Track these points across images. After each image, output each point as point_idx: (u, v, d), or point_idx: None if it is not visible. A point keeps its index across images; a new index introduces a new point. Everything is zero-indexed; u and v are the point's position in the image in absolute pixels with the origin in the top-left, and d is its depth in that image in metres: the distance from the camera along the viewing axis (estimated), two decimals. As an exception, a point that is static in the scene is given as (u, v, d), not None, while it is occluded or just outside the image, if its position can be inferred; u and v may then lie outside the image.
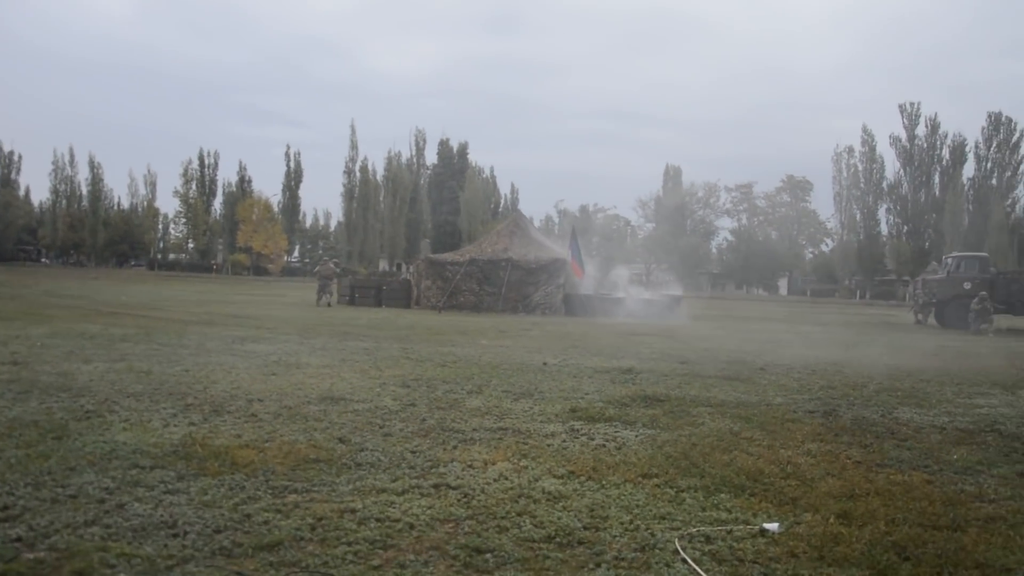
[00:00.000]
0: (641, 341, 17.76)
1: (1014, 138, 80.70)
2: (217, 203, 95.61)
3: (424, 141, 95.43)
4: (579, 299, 28.79)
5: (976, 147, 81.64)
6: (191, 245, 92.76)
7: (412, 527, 4.24)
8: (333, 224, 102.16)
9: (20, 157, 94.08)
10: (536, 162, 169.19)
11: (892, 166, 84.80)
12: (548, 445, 6.35)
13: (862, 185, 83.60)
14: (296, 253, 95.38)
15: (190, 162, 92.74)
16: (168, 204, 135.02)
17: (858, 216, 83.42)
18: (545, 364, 12.33)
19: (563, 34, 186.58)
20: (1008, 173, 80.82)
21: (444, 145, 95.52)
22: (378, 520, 4.31)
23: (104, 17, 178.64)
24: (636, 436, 6.88)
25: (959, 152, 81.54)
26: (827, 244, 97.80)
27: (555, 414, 7.79)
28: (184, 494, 4.63)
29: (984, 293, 25.72)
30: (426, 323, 21.69)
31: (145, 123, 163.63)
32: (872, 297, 79.51)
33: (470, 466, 5.56)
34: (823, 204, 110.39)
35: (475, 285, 29.17)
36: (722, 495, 5.12)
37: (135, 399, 7.67)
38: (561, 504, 4.76)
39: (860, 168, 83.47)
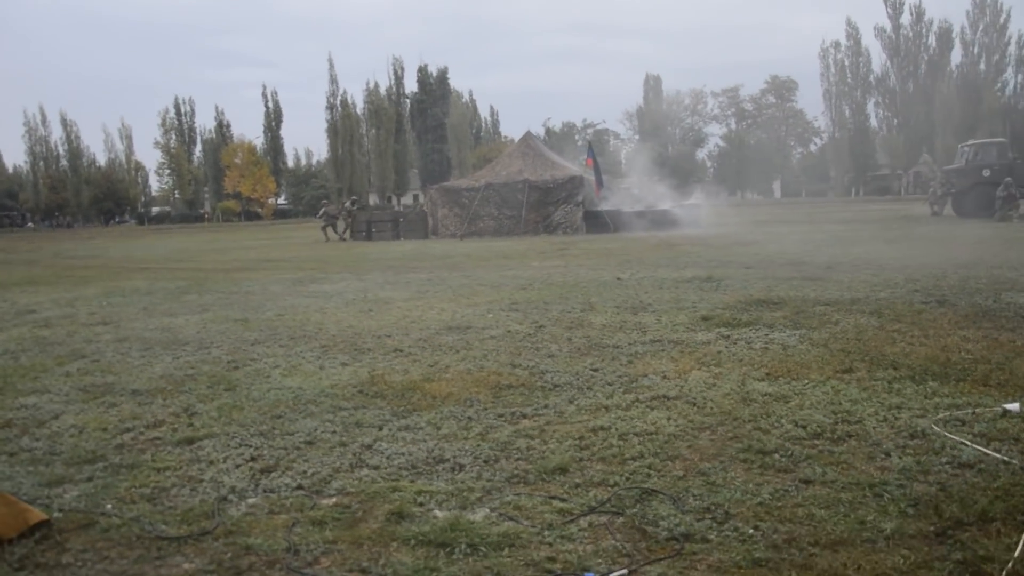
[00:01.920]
0: (687, 251, 17.67)
1: (1000, 19, 79.69)
2: (196, 151, 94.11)
3: (402, 69, 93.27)
4: (599, 215, 28.57)
5: (962, 32, 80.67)
6: (177, 196, 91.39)
7: (676, 436, 4.20)
8: (315, 162, 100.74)
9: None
10: (511, 83, 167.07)
11: (879, 59, 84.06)
12: (718, 352, 6.31)
13: (849, 80, 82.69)
14: (284, 196, 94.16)
15: (167, 111, 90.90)
16: (145, 156, 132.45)
17: (847, 112, 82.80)
18: (619, 279, 12.26)
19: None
20: (996, 57, 79.96)
21: (423, 72, 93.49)
22: (636, 435, 4.26)
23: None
24: (790, 336, 6.84)
25: (946, 39, 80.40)
26: (815, 143, 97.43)
27: (688, 323, 7.74)
28: (419, 430, 4.55)
29: (1010, 179, 25.62)
30: (460, 251, 21.49)
31: (109, 74, 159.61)
32: (867, 193, 79.51)
33: (666, 377, 5.51)
34: (808, 104, 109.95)
35: (494, 210, 28.90)
36: (930, 383, 5.10)
37: (263, 346, 7.55)
38: (793, 403, 4.74)
39: (847, 63, 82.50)
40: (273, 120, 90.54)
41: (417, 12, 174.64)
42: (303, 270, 17.18)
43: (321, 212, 33.38)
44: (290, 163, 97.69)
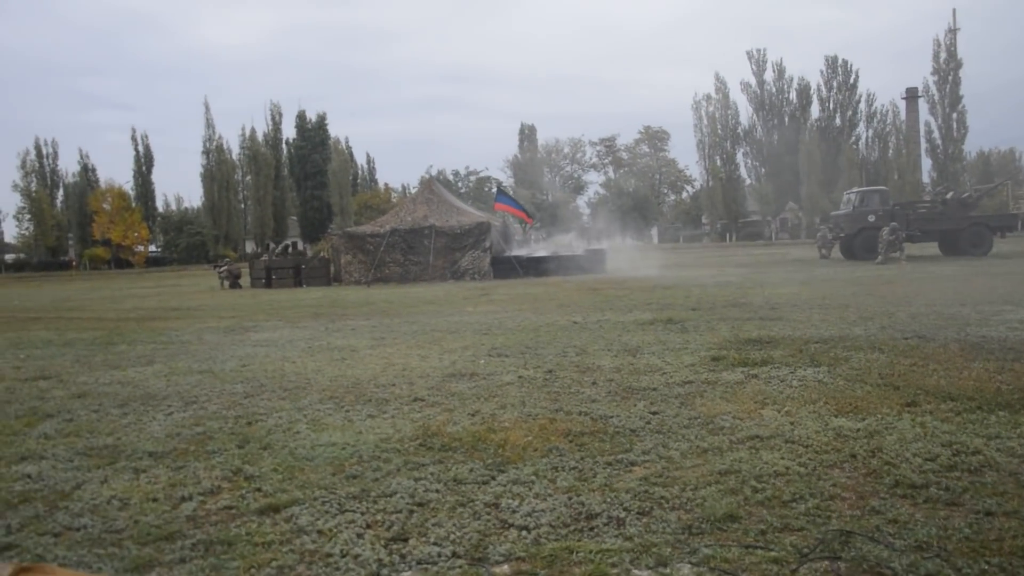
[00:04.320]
0: (615, 295, 17.77)
1: (851, 79, 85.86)
2: (60, 196, 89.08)
3: (280, 115, 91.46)
4: (506, 261, 28.61)
5: (819, 89, 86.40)
6: (38, 243, 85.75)
7: (811, 476, 4.08)
8: (184, 207, 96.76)
9: None
10: (386, 131, 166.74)
11: (746, 111, 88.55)
12: (763, 391, 6.23)
13: (720, 131, 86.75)
14: (156, 242, 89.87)
15: (27, 153, 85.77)
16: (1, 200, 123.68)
17: (719, 161, 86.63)
18: (575, 322, 12.17)
19: (395, 2, 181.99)
20: (849, 112, 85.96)
21: (302, 118, 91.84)
22: (771, 476, 4.10)
23: None
24: (818, 373, 6.87)
25: (805, 95, 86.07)
26: (687, 191, 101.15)
27: (701, 364, 7.66)
28: (532, 484, 4.20)
29: (895, 223, 27.25)
30: (378, 298, 20.91)
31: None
32: (739, 238, 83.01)
33: (738, 418, 5.38)
34: (680, 153, 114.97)
35: (399, 256, 28.46)
36: (1000, 412, 5.22)
37: (259, 399, 6.99)
38: (893, 437, 4.71)
39: (717, 115, 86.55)
40: (144, 165, 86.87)
41: (289, 58, 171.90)
42: (223, 319, 16.28)
43: (224, 269, 32.09)
44: (160, 209, 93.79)
